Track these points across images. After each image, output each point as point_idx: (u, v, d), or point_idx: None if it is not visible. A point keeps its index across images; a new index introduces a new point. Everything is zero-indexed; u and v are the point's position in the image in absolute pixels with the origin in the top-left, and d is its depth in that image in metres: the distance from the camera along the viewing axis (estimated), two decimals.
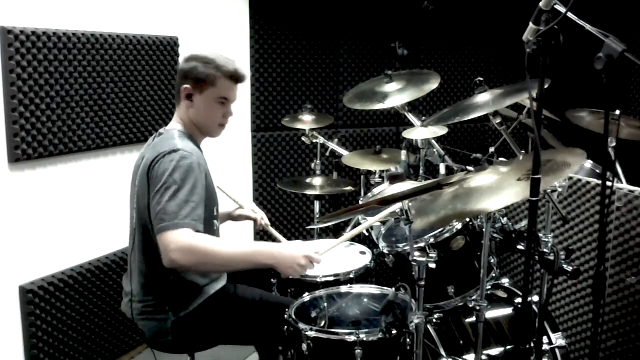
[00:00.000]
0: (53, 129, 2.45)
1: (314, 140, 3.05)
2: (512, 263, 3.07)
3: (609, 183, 1.50)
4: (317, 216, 3.21)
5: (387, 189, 2.41)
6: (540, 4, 1.48)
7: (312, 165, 3.15)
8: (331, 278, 2.21)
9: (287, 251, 1.87)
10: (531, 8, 1.51)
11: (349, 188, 2.99)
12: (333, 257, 2.40)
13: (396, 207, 1.90)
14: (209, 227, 1.94)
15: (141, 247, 1.92)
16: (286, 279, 2.24)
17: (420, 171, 2.65)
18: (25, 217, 2.41)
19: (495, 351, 2.06)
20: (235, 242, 1.87)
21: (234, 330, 2.01)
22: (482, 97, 2.16)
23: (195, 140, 2.01)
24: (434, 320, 2.09)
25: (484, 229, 1.86)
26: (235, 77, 1.99)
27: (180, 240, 1.72)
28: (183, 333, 1.94)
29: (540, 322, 1.82)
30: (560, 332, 2.13)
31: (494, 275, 2.10)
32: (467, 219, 1.99)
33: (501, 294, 2.26)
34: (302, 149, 3.69)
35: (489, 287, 2.20)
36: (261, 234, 3.31)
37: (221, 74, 1.96)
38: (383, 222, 2.36)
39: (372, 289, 2.03)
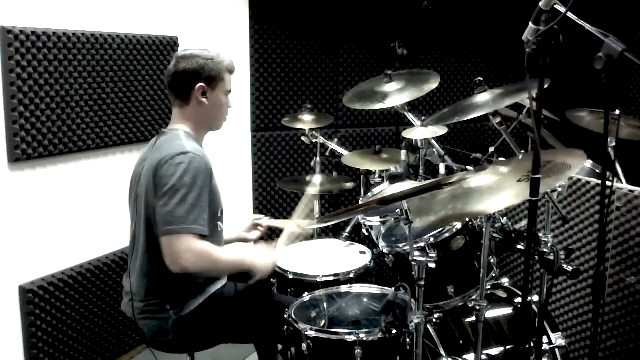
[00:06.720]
0: (53, 129, 2.45)
1: (314, 140, 3.04)
2: (512, 263, 3.07)
3: (609, 183, 1.50)
4: (317, 216, 3.20)
5: (387, 189, 2.41)
6: (540, 4, 1.48)
7: (312, 163, 3.14)
8: (331, 278, 2.22)
9: (261, 260, 1.98)
10: (531, 8, 1.51)
11: (349, 184, 2.99)
12: (333, 257, 2.40)
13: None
14: (213, 228, 1.95)
15: (145, 248, 1.92)
16: (286, 280, 2.26)
17: (420, 171, 2.65)
18: (25, 217, 2.41)
19: (495, 351, 2.06)
20: (230, 249, 2.01)
21: (235, 329, 2.02)
22: (482, 97, 2.15)
23: (199, 141, 2.02)
24: (434, 320, 2.09)
25: (484, 229, 1.86)
26: (233, 70, 2.08)
27: (195, 246, 1.78)
28: (184, 332, 1.94)
29: (540, 322, 1.82)
30: (560, 332, 2.12)
31: (494, 275, 2.09)
32: (467, 219, 1.99)
33: (501, 294, 2.26)
34: (302, 149, 3.69)
35: (489, 287, 2.20)
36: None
37: (225, 68, 2.03)
38: (383, 222, 2.36)
39: (372, 289, 2.04)
